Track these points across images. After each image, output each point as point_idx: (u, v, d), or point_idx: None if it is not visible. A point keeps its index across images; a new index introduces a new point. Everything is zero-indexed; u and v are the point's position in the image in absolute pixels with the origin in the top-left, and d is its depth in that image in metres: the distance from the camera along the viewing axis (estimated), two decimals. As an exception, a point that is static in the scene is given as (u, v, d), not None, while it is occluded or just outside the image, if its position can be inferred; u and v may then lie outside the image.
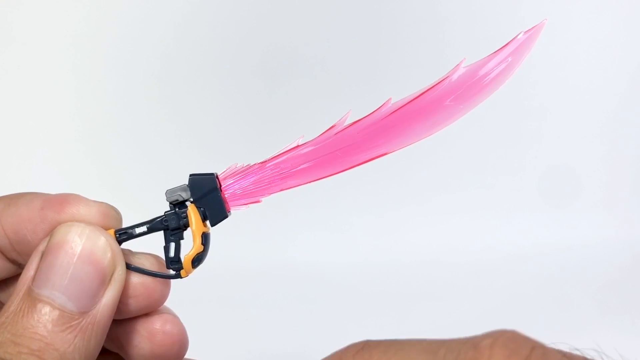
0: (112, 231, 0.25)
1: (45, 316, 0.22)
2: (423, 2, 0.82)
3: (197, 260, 0.25)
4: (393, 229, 0.79)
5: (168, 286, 0.26)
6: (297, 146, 0.25)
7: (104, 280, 0.23)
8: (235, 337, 0.61)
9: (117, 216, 0.25)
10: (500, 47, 0.25)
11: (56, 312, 0.22)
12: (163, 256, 0.25)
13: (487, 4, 0.83)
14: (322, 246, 0.77)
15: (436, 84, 0.25)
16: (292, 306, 0.68)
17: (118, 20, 0.79)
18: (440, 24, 0.83)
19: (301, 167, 0.25)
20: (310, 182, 0.25)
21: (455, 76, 0.25)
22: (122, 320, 0.26)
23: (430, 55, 0.81)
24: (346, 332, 0.62)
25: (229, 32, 0.80)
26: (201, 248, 0.25)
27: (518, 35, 0.25)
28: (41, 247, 0.24)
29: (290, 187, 0.25)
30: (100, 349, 0.24)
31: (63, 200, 0.25)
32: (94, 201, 0.25)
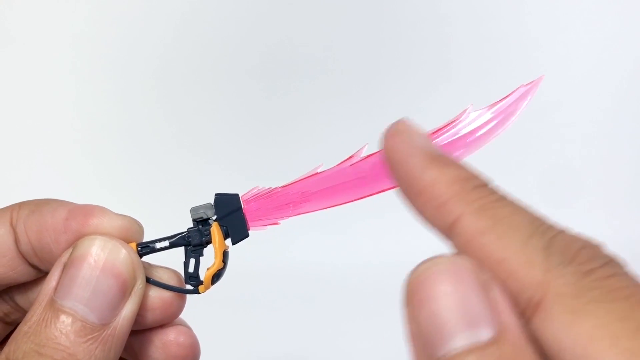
0: (133, 244, 0.26)
1: (67, 327, 0.23)
2: (424, 1, 0.82)
3: (216, 277, 0.26)
4: (394, 229, 0.77)
5: (184, 300, 0.27)
6: (317, 173, 0.27)
7: (125, 293, 0.24)
8: (234, 338, 0.61)
9: (140, 230, 0.26)
10: (501, 99, 0.27)
11: (78, 324, 0.23)
12: (181, 271, 0.26)
13: (488, 3, 0.83)
14: (323, 247, 0.77)
15: (446, 126, 0.27)
16: (292, 307, 0.68)
17: (117, 20, 0.78)
18: (442, 24, 0.83)
19: (320, 193, 0.27)
20: (328, 207, 0.27)
21: (463, 121, 0.27)
22: (138, 331, 0.27)
23: (431, 55, 0.81)
24: (346, 333, 0.62)
25: (229, 33, 0.80)
26: (221, 265, 0.26)
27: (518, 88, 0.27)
28: (64, 259, 0.24)
29: (309, 212, 0.27)
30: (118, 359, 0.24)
31: (88, 212, 0.25)
32: (118, 214, 0.26)
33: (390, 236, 0.79)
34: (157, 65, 0.79)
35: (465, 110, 0.27)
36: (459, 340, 0.18)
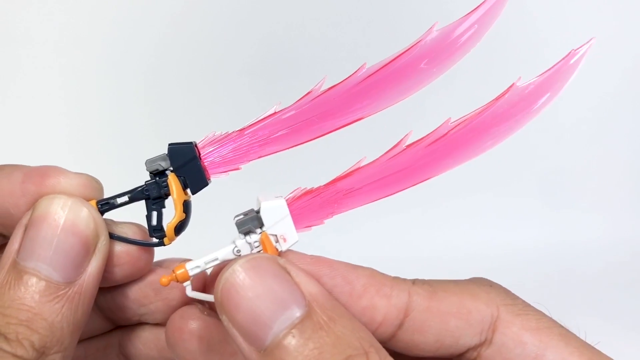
0: (93, 202, 0.25)
1: (32, 287, 0.23)
2: (417, 3, 0.81)
3: (179, 228, 0.25)
4: (395, 230, 0.79)
5: (152, 254, 0.26)
6: (275, 113, 0.26)
7: (88, 251, 0.24)
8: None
9: (99, 187, 0.25)
10: (470, 10, 0.25)
11: (43, 283, 0.23)
12: (146, 225, 0.26)
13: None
14: (323, 246, 0.77)
15: (409, 48, 0.25)
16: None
17: (109, 18, 0.77)
18: (443, 21, 0.82)
19: (279, 133, 0.25)
20: (288, 148, 0.26)
21: (428, 39, 0.25)
22: (112, 288, 0.27)
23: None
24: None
25: (221, 30, 0.78)
26: (183, 216, 0.25)
27: (487, -1, 0.25)
28: (24, 220, 0.24)
29: (269, 154, 0.26)
30: (87, 317, 0.24)
31: (43, 172, 0.25)
32: (75, 173, 0.25)
33: (391, 236, 0.79)
34: (148, 63, 0.78)
35: (430, 28, 0.25)
36: (279, 325, 0.20)
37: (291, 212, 0.25)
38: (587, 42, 0.26)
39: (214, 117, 0.81)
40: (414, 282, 0.25)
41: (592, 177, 0.87)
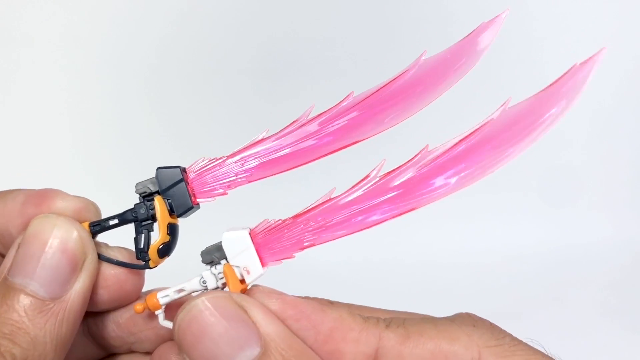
0: (86, 224, 0.25)
1: (17, 302, 0.23)
2: (419, 3, 0.81)
3: (163, 251, 0.25)
4: (394, 230, 0.79)
5: (140, 278, 0.26)
6: (263, 139, 0.26)
7: (74, 268, 0.24)
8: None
9: (95, 210, 0.26)
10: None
11: (28, 299, 0.23)
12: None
13: (487, 5, 0.82)
14: (322, 247, 0.76)
15: (399, 75, 0.25)
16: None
17: (110, 19, 0.77)
18: (444, 24, 0.81)
19: (268, 159, 0.26)
20: (278, 173, 0.26)
21: (415, 70, 0.25)
22: (103, 315, 0.27)
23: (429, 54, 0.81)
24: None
25: (222, 31, 0.78)
26: (167, 238, 0.25)
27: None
28: (19, 239, 0.25)
29: (257, 179, 0.26)
30: (73, 336, 0.25)
31: (43, 195, 0.25)
32: (72, 196, 0.26)
33: (391, 236, 0.78)
34: (149, 65, 0.77)
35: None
36: None
37: (258, 244, 0.24)
38: (597, 53, 0.24)
39: (213, 117, 0.81)
40: (389, 324, 0.24)
41: (595, 177, 0.87)
